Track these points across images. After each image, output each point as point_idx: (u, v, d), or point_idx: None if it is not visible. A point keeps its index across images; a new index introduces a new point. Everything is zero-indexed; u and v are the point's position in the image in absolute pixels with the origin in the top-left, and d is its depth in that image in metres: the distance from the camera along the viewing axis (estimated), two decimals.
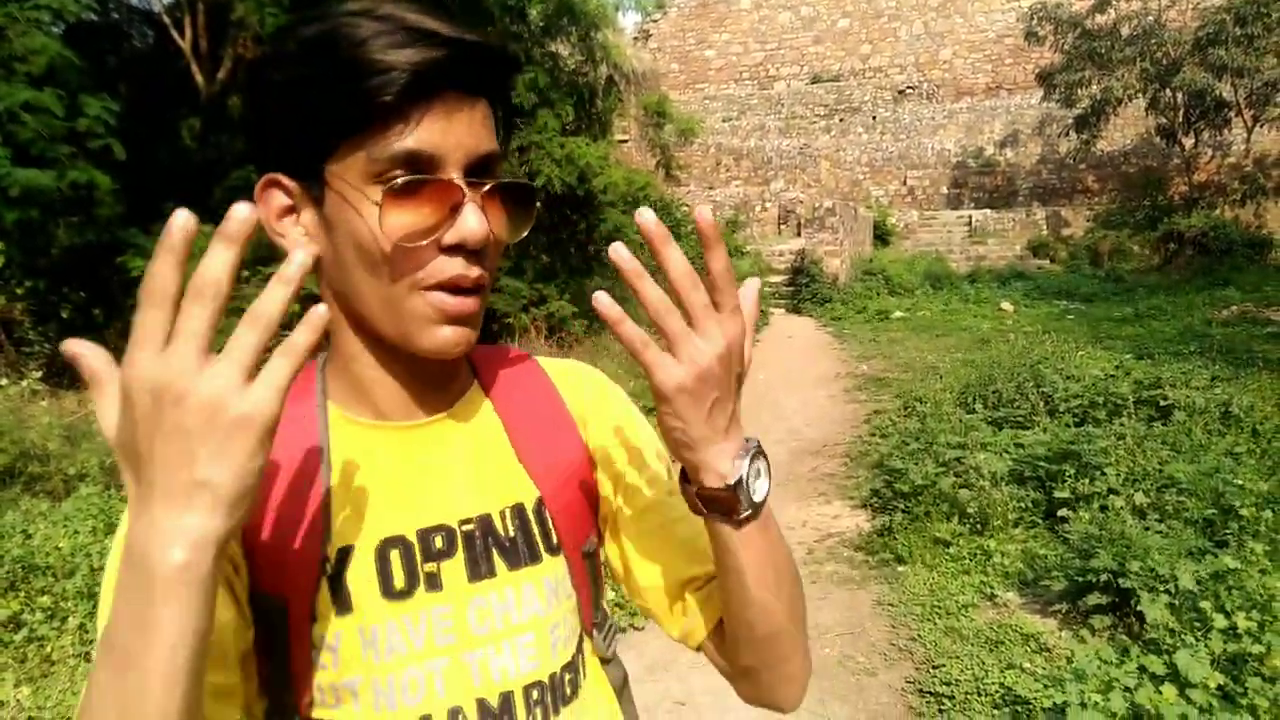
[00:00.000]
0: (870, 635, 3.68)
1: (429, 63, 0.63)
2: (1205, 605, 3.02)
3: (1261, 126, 17.96)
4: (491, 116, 0.71)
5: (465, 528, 0.76)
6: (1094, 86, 18.30)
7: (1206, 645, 2.87)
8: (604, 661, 0.87)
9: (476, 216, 0.67)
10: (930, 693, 3.20)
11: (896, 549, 4.44)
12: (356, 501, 0.73)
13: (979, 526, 4.54)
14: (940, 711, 3.07)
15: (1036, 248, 19.20)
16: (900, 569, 4.27)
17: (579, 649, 0.83)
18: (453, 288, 0.69)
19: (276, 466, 0.71)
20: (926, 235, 20.58)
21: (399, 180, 0.64)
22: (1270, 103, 17.34)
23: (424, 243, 0.66)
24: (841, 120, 23.84)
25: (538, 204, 0.74)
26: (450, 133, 0.66)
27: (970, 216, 20.66)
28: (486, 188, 0.69)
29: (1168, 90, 17.81)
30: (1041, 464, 4.89)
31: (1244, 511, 3.73)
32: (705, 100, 25.51)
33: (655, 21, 27.83)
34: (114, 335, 9.77)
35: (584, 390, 0.89)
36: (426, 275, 0.68)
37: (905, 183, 23.06)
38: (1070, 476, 4.63)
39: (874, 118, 23.73)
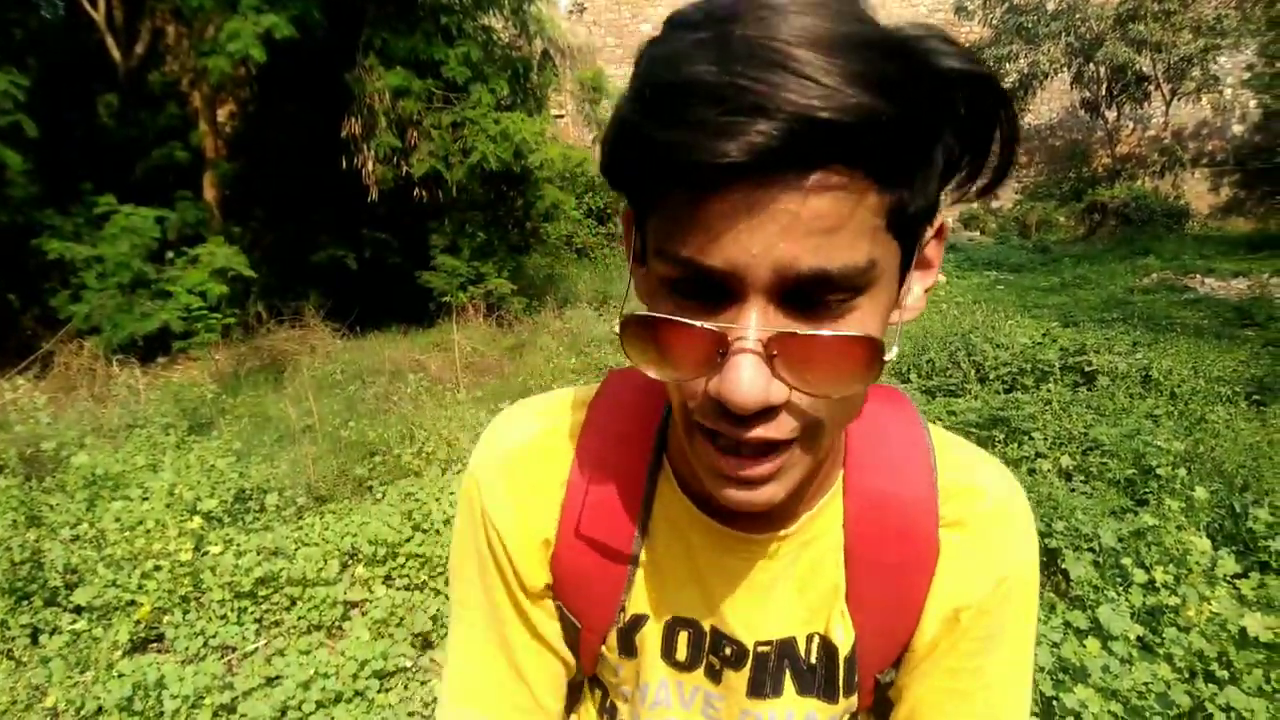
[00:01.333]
0: None
1: (738, 153, 0.43)
2: (1126, 561, 3.15)
3: (1179, 100, 18.56)
4: (866, 191, 0.46)
5: (760, 649, 0.69)
6: (1021, 61, 18.69)
7: (1127, 599, 2.99)
8: None
9: (751, 373, 0.47)
10: None
11: None
12: (660, 578, 0.70)
13: None
14: None
15: (968, 220, 19.63)
16: None
17: None
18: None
19: (595, 510, 0.69)
20: None
21: (634, 316, 0.50)
22: (1186, 77, 17.93)
23: (683, 379, 0.52)
24: None
25: (884, 359, 0.49)
26: (755, 239, 0.45)
27: None
28: (781, 332, 0.47)
29: (1091, 64, 18.27)
30: (973, 430, 5.02)
31: (1161, 471, 3.89)
32: None
33: None
34: (31, 321, 9.39)
35: (971, 575, 0.67)
36: (697, 410, 0.53)
37: None
38: (1000, 441, 4.77)
39: None
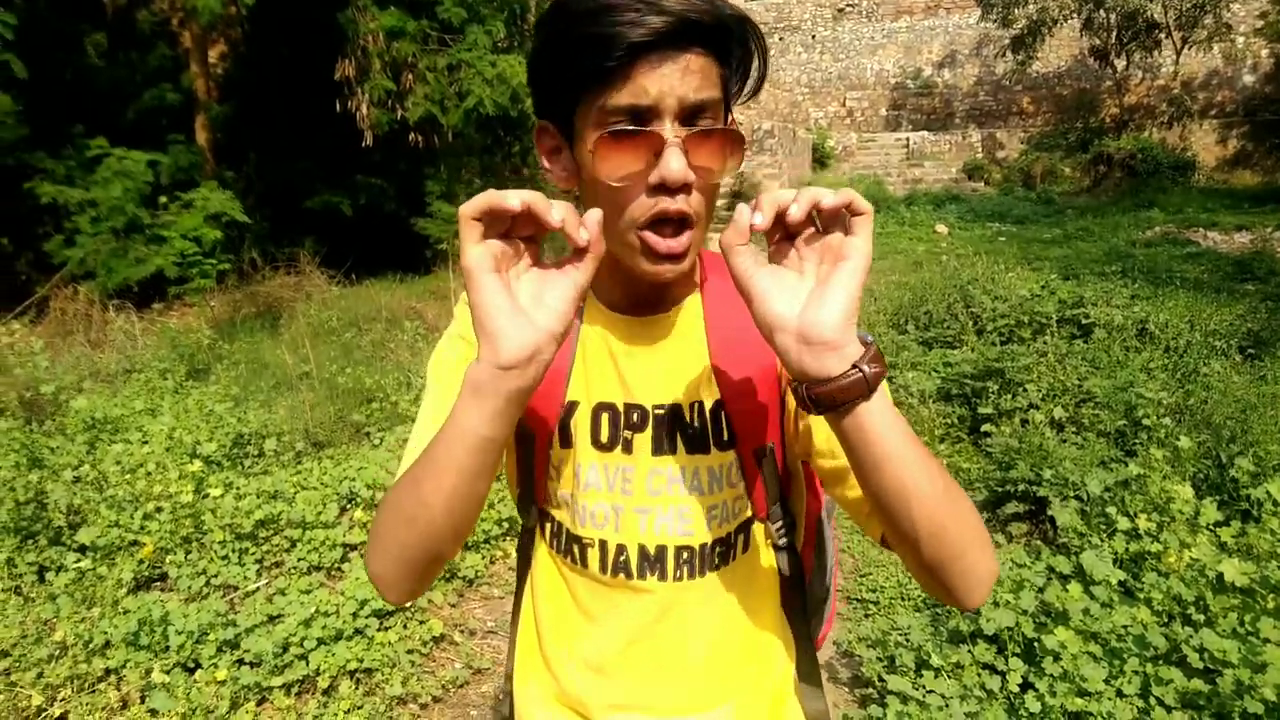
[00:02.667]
0: None
1: (646, 32, 0.73)
2: (1111, 510, 3.20)
3: (1190, 48, 18.24)
4: (714, 65, 0.79)
5: (657, 411, 0.93)
6: (1030, 6, 18.32)
7: (1110, 546, 3.05)
8: (777, 548, 1.00)
9: (677, 159, 0.75)
10: (858, 599, 3.35)
11: None
12: (589, 369, 0.94)
13: None
14: (866, 616, 3.23)
15: (972, 170, 19.42)
16: None
17: (742, 530, 0.98)
18: (661, 223, 0.79)
19: None
20: (865, 158, 20.63)
21: (607, 130, 0.76)
22: (1198, 24, 17.60)
23: (631, 183, 0.78)
24: (781, 39, 23.52)
25: (745, 144, 0.82)
26: (663, 85, 0.75)
27: (908, 139, 20.74)
28: (691, 132, 0.76)
29: (1101, 11, 17.92)
30: (968, 381, 5.06)
31: (1147, 421, 3.92)
32: None
33: None
34: (25, 265, 9.35)
35: None
36: (638, 212, 0.79)
37: (844, 104, 22.99)
38: (994, 393, 4.80)
39: (813, 37, 23.45)
